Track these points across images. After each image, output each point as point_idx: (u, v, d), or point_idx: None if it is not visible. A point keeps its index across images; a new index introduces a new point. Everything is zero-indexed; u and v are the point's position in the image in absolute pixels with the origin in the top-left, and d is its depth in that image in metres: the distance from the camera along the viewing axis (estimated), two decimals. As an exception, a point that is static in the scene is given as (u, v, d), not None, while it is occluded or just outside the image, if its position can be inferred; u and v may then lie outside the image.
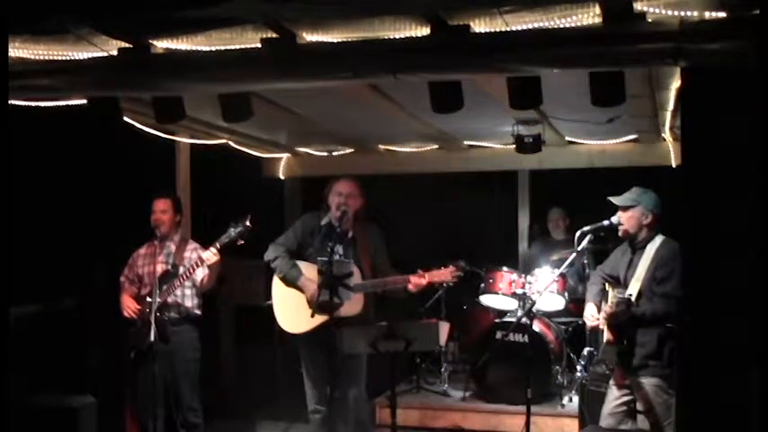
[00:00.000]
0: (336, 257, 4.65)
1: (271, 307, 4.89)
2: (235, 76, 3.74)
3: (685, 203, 3.33)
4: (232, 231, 4.77)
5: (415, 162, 7.45)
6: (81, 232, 5.86)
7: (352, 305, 4.67)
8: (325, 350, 4.51)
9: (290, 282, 4.76)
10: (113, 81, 3.88)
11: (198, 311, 5.12)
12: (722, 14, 3.05)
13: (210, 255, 4.81)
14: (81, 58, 3.84)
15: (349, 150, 7.49)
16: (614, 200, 4.27)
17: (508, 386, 6.05)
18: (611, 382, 4.38)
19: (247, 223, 4.75)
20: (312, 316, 4.53)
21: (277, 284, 4.86)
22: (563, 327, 6.60)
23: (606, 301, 4.35)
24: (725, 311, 3.21)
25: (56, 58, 3.84)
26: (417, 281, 4.64)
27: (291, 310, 4.74)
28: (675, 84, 4.35)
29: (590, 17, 3.22)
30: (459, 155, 7.33)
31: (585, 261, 6.46)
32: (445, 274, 4.67)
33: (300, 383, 5.00)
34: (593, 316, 4.36)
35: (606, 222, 4.30)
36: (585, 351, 6.29)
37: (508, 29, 3.34)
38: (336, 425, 4.83)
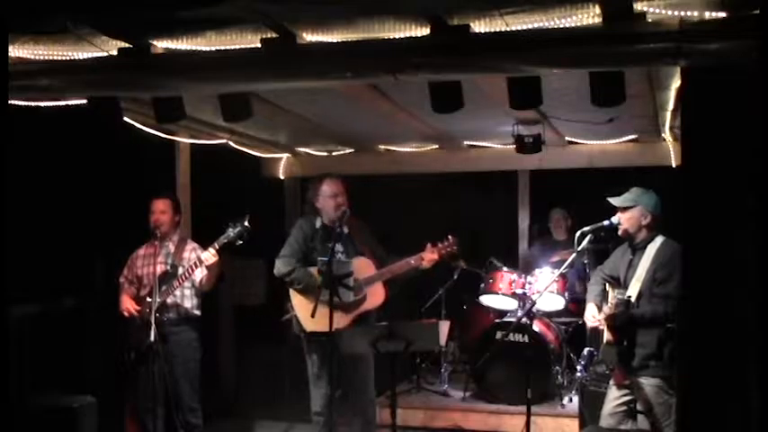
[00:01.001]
0: (340, 256, 4.68)
1: (290, 320, 4.83)
2: (235, 76, 3.73)
3: (685, 203, 3.33)
4: (231, 232, 4.77)
5: (415, 162, 7.46)
6: (81, 232, 5.87)
7: (375, 297, 4.72)
8: (335, 351, 4.47)
9: (312, 290, 4.67)
10: (113, 81, 3.87)
11: (197, 312, 5.12)
12: (722, 14, 3.05)
13: (209, 256, 4.80)
14: (81, 58, 3.83)
15: (349, 150, 7.49)
16: (613, 200, 4.27)
17: (508, 386, 6.06)
18: (611, 382, 4.38)
19: (246, 223, 4.75)
20: (312, 314, 4.51)
21: (294, 294, 4.80)
22: (563, 327, 6.61)
23: (607, 302, 4.35)
24: (725, 311, 3.21)
25: (56, 58, 3.84)
26: (430, 256, 4.72)
27: (318, 313, 4.55)
28: (675, 84, 4.35)
29: (590, 17, 3.22)
30: (459, 155, 7.33)
31: (586, 261, 6.47)
32: (451, 245, 4.79)
33: (301, 383, 5.00)
34: (593, 317, 4.36)
35: (606, 222, 4.30)
36: (585, 351, 6.30)
37: (508, 29, 3.34)
38: (340, 426, 4.85)
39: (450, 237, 4.83)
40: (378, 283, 4.75)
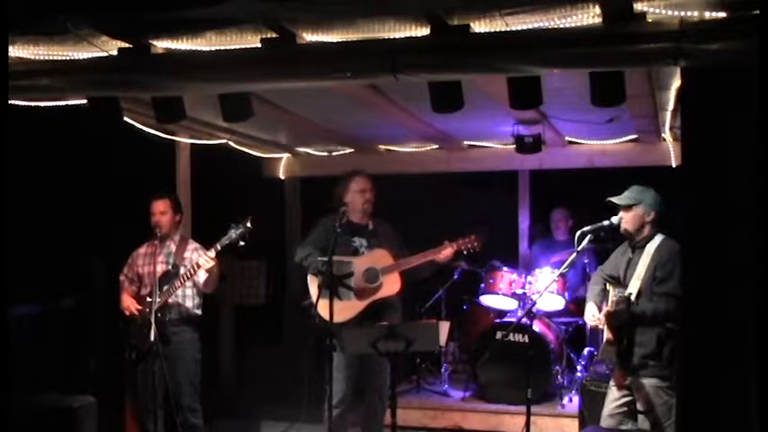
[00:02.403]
0: (362, 249, 4.92)
1: (310, 305, 4.90)
2: (235, 76, 3.73)
3: (685, 203, 3.33)
4: (233, 233, 4.76)
5: (415, 162, 7.46)
6: (81, 232, 5.87)
7: (390, 286, 4.86)
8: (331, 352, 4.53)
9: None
10: (113, 81, 3.87)
11: (198, 311, 5.11)
12: (722, 14, 3.05)
13: (204, 262, 4.77)
14: (81, 58, 3.84)
15: (349, 150, 7.49)
16: (615, 200, 4.26)
17: (508, 386, 6.05)
18: (611, 382, 4.38)
19: (248, 224, 4.75)
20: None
21: (313, 281, 4.92)
22: (563, 327, 6.61)
23: (607, 301, 4.35)
24: (725, 311, 3.21)
25: (56, 58, 3.84)
26: (446, 251, 4.86)
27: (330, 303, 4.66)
28: (675, 84, 4.35)
29: (590, 17, 3.22)
30: (459, 155, 7.33)
31: (586, 261, 6.47)
32: (471, 241, 4.91)
33: (300, 383, 5.02)
34: (594, 316, 4.36)
35: (606, 222, 4.30)
36: (585, 351, 6.31)
37: (508, 29, 3.34)
38: (351, 426, 4.94)
39: (472, 235, 4.94)
40: (395, 272, 4.88)
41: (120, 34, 3.67)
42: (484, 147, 7.24)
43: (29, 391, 5.28)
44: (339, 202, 5.03)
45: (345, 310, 4.68)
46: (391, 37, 3.50)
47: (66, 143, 5.45)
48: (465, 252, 4.96)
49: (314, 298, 4.87)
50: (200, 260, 4.80)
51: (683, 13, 3.08)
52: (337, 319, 4.63)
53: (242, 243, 4.78)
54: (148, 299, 4.88)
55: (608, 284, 4.42)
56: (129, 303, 5.03)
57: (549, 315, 6.54)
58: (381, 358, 4.67)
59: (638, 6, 3.15)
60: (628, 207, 4.23)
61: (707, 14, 3.06)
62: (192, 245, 5.14)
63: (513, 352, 5.79)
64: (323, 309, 4.69)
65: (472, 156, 7.34)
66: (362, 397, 5.03)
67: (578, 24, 3.25)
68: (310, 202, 7.69)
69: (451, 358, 7.16)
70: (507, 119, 5.71)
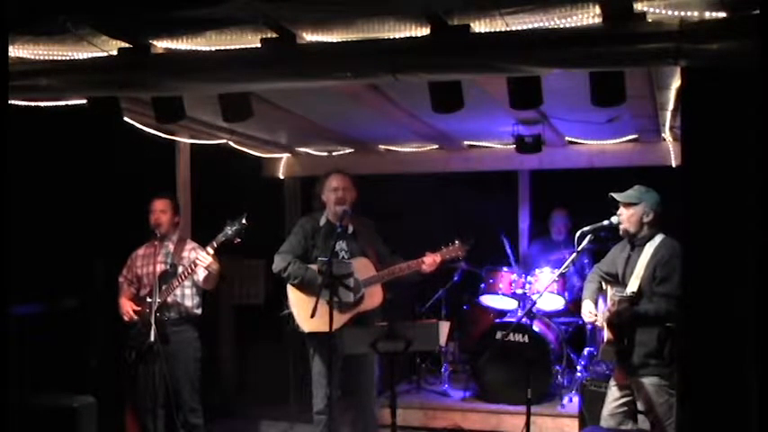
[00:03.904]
0: (342, 254, 4.76)
1: (288, 315, 4.84)
2: (235, 76, 3.73)
3: (685, 203, 3.33)
4: (228, 230, 4.76)
5: (415, 162, 7.45)
6: (81, 232, 5.86)
7: (372, 298, 4.75)
8: (334, 351, 4.47)
9: (308, 285, 4.72)
10: (113, 81, 3.87)
11: (198, 311, 5.11)
12: (722, 14, 3.05)
13: (202, 259, 4.77)
14: (81, 58, 3.84)
15: (349, 150, 7.49)
16: (617, 196, 4.27)
17: (508, 386, 6.06)
18: (612, 382, 4.38)
19: (243, 221, 4.74)
20: (312, 314, 4.50)
21: (292, 291, 4.82)
22: (563, 327, 6.61)
23: (606, 299, 4.35)
24: (725, 311, 3.21)
25: (56, 58, 3.84)
26: (431, 260, 4.76)
27: (317, 313, 4.50)
28: (675, 84, 4.35)
29: (590, 17, 3.22)
30: (460, 155, 7.33)
31: (586, 261, 6.48)
32: (455, 250, 4.81)
33: (301, 383, 5.01)
34: (591, 312, 4.36)
35: (606, 222, 4.31)
36: (585, 351, 6.31)
37: (508, 29, 3.34)
38: (341, 426, 4.86)
39: (456, 241, 4.84)
40: (377, 284, 4.77)
41: (120, 34, 3.66)
42: (484, 147, 7.24)
43: (29, 391, 5.28)
44: (318, 201, 4.98)
45: (327, 323, 4.40)
46: (391, 37, 3.49)
47: (67, 143, 5.45)
48: (450, 260, 4.87)
49: (292, 308, 4.79)
50: (199, 257, 4.80)
51: (683, 13, 3.08)
52: (318, 329, 4.56)
53: (238, 240, 4.78)
54: (148, 299, 4.88)
55: (604, 283, 4.42)
56: (127, 308, 5.01)
57: (549, 315, 6.55)
58: (363, 359, 4.67)
59: (638, 6, 3.15)
60: (628, 204, 4.24)
61: (707, 14, 3.06)
62: (191, 245, 5.14)
63: (513, 352, 5.79)
64: (303, 320, 4.67)
65: (472, 156, 7.34)
66: (352, 398, 4.97)
67: (578, 24, 3.25)
68: (310, 202, 7.68)
69: (451, 358, 7.16)
70: (507, 119, 5.71)
